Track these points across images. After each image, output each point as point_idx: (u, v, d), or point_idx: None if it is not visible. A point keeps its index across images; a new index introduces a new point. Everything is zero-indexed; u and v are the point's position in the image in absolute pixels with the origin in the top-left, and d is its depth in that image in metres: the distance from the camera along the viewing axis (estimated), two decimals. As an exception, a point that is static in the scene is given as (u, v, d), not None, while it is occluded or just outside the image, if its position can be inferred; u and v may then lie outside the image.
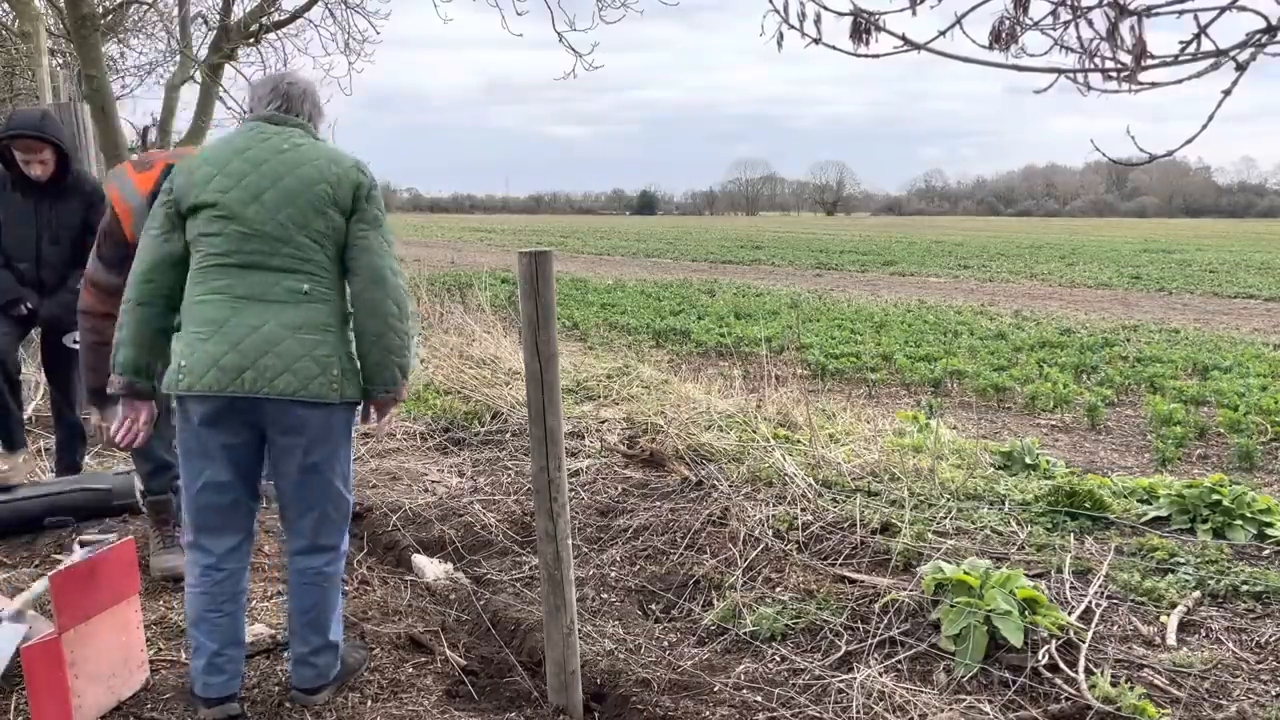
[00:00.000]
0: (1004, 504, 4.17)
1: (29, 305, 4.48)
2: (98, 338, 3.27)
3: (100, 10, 7.57)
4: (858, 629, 3.15)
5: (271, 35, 10.03)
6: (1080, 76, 1.66)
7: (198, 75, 9.80)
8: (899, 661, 2.98)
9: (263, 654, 3.12)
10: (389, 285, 2.65)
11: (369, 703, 2.86)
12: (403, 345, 2.70)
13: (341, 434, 2.69)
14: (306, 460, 2.63)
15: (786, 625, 3.23)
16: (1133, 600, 3.21)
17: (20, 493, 4.14)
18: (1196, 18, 1.57)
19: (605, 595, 3.66)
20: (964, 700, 2.75)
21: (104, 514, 4.26)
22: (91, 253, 3.33)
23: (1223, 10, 1.58)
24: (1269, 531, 3.76)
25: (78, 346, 4.67)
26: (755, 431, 5.20)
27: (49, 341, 4.72)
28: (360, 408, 2.77)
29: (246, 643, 3.02)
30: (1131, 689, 2.66)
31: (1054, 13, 1.66)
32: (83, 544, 3.63)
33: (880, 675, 2.88)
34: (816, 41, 1.77)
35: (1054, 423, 8.01)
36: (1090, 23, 1.62)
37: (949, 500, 4.17)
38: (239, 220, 2.55)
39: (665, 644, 3.26)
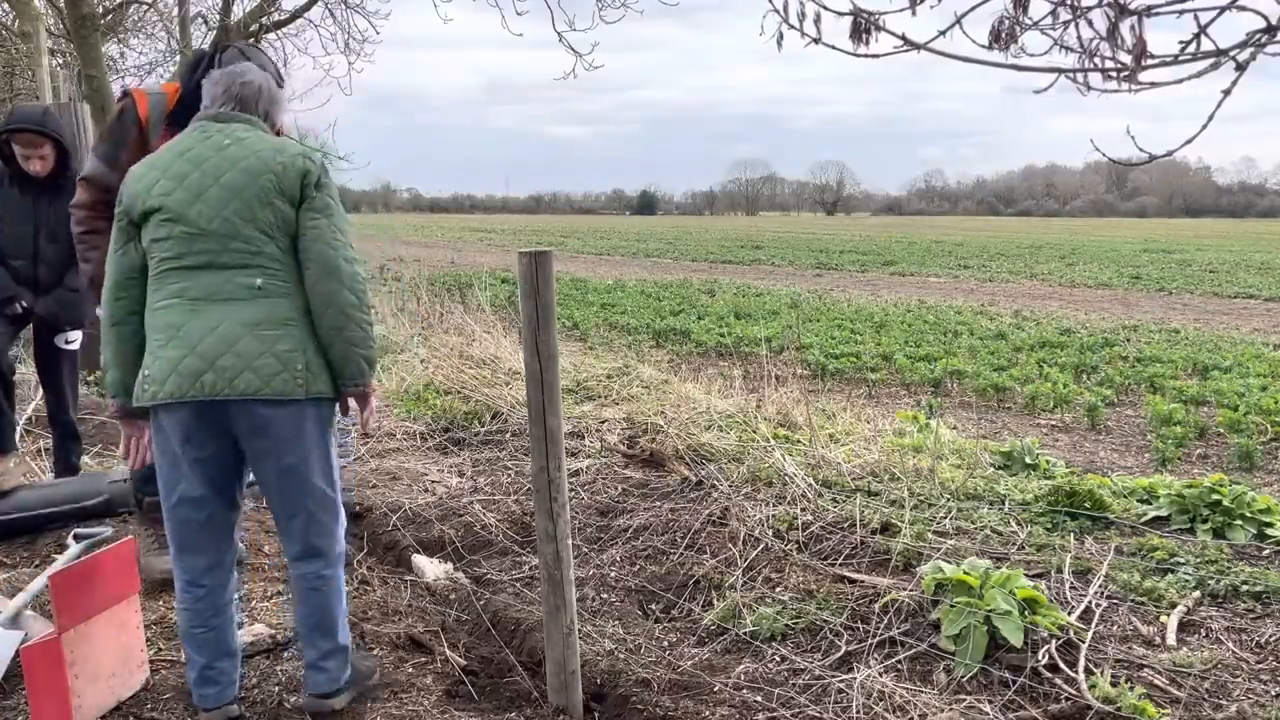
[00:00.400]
0: (1004, 504, 4.17)
1: (24, 304, 4.47)
2: (86, 228, 3.36)
3: (100, 10, 7.56)
4: (858, 629, 3.15)
5: (271, 35, 10.03)
6: (1080, 76, 1.66)
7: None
8: (899, 661, 2.98)
9: (263, 654, 3.12)
10: (344, 274, 2.55)
11: (369, 702, 2.86)
12: (365, 336, 2.60)
13: (315, 432, 2.59)
14: (282, 463, 2.56)
15: (786, 625, 3.23)
16: (1133, 600, 3.21)
17: (16, 499, 4.11)
18: (1196, 18, 1.57)
19: (605, 595, 3.66)
20: (964, 700, 2.75)
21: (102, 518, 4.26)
22: (90, 155, 3.38)
23: (1223, 10, 1.58)
24: (1269, 531, 3.76)
25: (70, 347, 4.69)
26: (755, 431, 5.20)
27: (43, 341, 4.70)
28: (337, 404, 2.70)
29: (246, 643, 3.01)
30: (1131, 689, 2.66)
31: (1054, 13, 1.66)
32: (78, 537, 3.63)
33: (880, 675, 2.88)
34: (816, 41, 1.77)
35: (1054, 423, 8.01)
36: (1090, 22, 1.62)
37: (949, 500, 4.17)
38: (184, 221, 2.50)
39: (665, 644, 3.26)
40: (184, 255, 2.51)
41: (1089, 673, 2.77)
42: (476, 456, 5.50)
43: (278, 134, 2.83)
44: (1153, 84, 1.64)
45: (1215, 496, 3.92)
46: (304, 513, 2.63)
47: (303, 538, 2.66)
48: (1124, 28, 1.58)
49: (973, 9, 1.67)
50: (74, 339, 4.68)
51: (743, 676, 2.97)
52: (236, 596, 2.81)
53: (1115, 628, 3.06)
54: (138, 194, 2.56)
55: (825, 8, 1.74)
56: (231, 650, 2.70)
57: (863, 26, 1.73)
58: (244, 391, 2.45)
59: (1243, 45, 1.57)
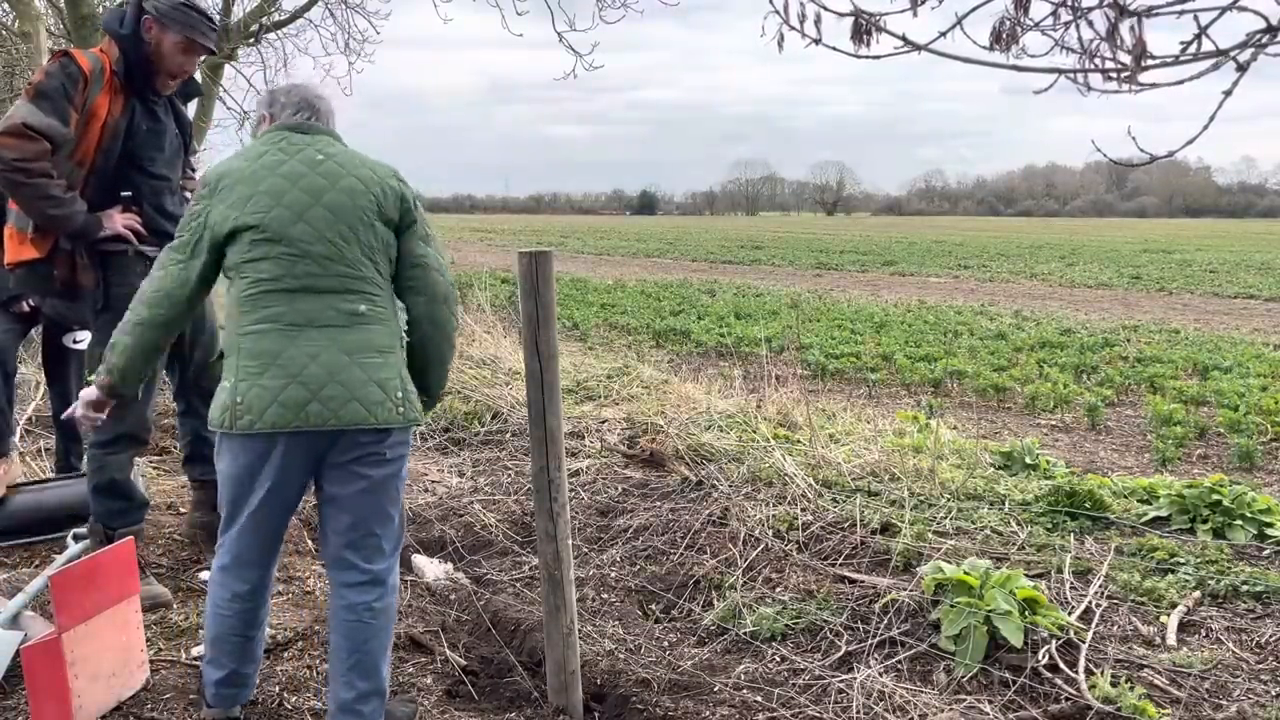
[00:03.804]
0: (1004, 504, 4.17)
1: (31, 303, 4.46)
2: (27, 177, 3.12)
3: (100, 10, 7.54)
4: (858, 629, 3.15)
5: (271, 35, 10.02)
6: (1080, 77, 1.66)
7: (198, 75, 9.77)
8: (899, 661, 2.98)
9: (263, 654, 3.11)
10: (452, 302, 2.63)
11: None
12: (454, 352, 2.75)
13: (399, 457, 2.54)
14: (363, 485, 2.49)
15: (786, 625, 3.24)
16: (1133, 600, 3.21)
17: (13, 503, 4.07)
18: (1196, 18, 1.57)
19: (605, 595, 3.66)
20: (964, 700, 2.75)
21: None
22: (28, 106, 3.13)
23: (1223, 10, 1.58)
24: (1269, 531, 3.76)
25: (78, 346, 4.68)
26: (755, 431, 5.20)
27: (51, 340, 4.70)
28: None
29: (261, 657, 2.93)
30: (1131, 689, 2.66)
31: (1054, 13, 1.66)
32: (77, 537, 3.62)
33: (880, 675, 2.88)
34: (817, 42, 1.77)
35: (1054, 423, 8.01)
36: (1090, 23, 1.62)
37: (949, 500, 4.17)
38: (286, 241, 2.41)
39: (665, 644, 3.26)
40: (283, 278, 2.41)
41: (1089, 673, 2.77)
42: (476, 456, 5.51)
43: None
44: (1153, 85, 1.64)
45: (1215, 497, 3.92)
46: (373, 536, 2.52)
47: (365, 561, 2.52)
48: (1124, 28, 1.58)
49: (974, 10, 1.67)
50: (82, 339, 4.66)
51: (743, 676, 2.97)
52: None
53: (1115, 628, 3.06)
54: (228, 208, 2.43)
55: (826, 9, 1.74)
56: (258, 656, 2.68)
57: (863, 27, 1.73)
58: (350, 421, 2.39)
59: (1243, 46, 1.57)
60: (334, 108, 2.68)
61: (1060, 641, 2.90)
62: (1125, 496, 4.28)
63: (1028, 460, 5.17)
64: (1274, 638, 2.96)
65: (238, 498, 2.49)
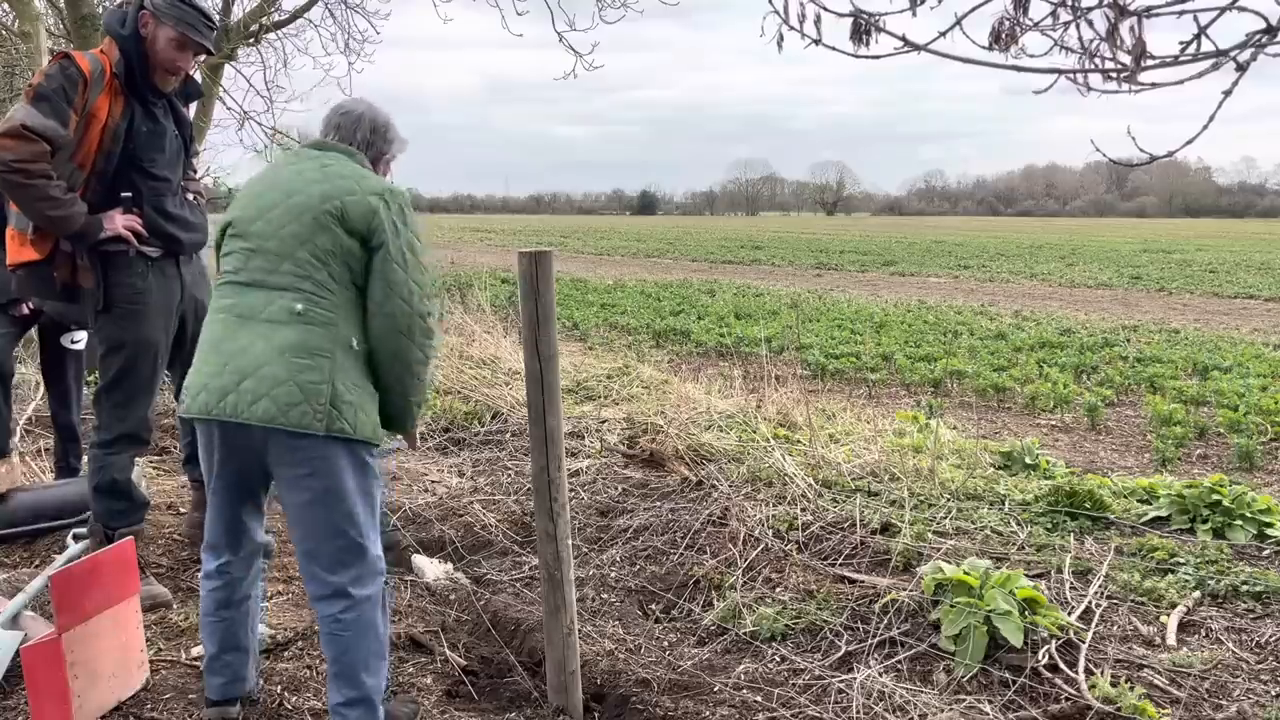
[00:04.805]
0: (1004, 504, 4.17)
1: (30, 304, 4.46)
2: (30, 178, 3.13)
3: (100, 10, 7.53)
4: (858, 629, 3.15)
5: (271, 35, 10.01)
6: (1080, 77, 1.66)
7: (197, 75, 9.76)
8: (899, 661, 2.98)
9: (262, 654, 3.11)
10: (416, 332, 2.49)
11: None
12: (422, 387, 2.59)
13: (342, 470, 2.43)
14: (304, 497, 2.44)
15: (786, 625, 3.24)
16: (1133, 600, 3.21)
17: (13, 503, 4.07)
18: (1196, 18, 1.57)
19: (605, 595, 3.66)
20: (964, 700, 2.75)
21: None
22: (27, 108, 3.13)
23: (1223, 11, 1.58)
24: (1269, 531, 3.76)
25: (76, 346, 4.69)
26: (755, 431, 5.20)
27: (48, 341, 4.70)
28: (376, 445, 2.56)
29: (250, 649, 2.91)
30: (1131, 689, 2.66)
31: (1054, 13, 1.66)
32: (77, 537, 3.63)
33: (880, 675, 2.88)
34: (816, 43, 1.77)
35: (1054, 423, 8.01)
36: (1090, 23, 1.62)
37: (949, 500, 4.17)
38: (245, 237, 2.51)
39: (665, 644, 3.26)
40: (239, 271, 2.51)
41: (1089, 673, 2.78)
42: (476, 456, 5.50)
43: (377, 163, 2.73)
44: (1153, 85, 1.64)
45: (1215, 496, 3.92)
46: (323, 553, 2.47)
47: (321, 577, 2.48)
48: (1124, 28, 1.58)
49: (973, 10, 1.67)
50: (79, 339, 4.67)
51: (743, 676, 2.97)
52: (261, 596, 2.78)
53: (1115, 628, 3.06)
54: (229, 207, 2.63)
55: (825, 9, 1.74)
56: (241, 645, 2.67)
57: (863, 28, 1.73)
58: (260, 418, 2.36)
59: (1243, 46, 1.57)
60: (369, 118, 2.70)
61: (1060, 641, 2.90)
62: (1125, 496, 4.28)
63: (1028, 460, 5.17)
64: (1274, 638, 2.96)
65: (206, 478, 2.60)
